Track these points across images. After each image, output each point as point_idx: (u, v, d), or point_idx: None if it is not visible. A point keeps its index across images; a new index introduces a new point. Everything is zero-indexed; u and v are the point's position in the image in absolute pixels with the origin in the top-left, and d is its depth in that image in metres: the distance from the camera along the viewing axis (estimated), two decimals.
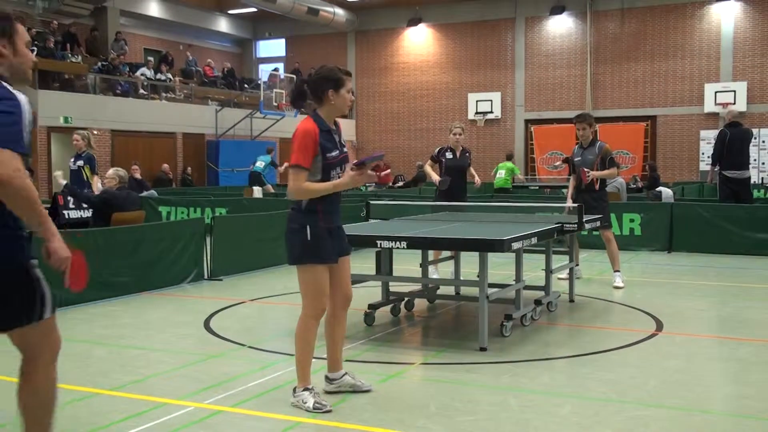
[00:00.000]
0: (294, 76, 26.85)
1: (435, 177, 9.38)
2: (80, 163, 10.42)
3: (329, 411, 4.52)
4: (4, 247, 3.04)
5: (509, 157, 21.41)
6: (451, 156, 9.31)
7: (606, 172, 8.96)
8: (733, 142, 12.28)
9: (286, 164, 20.31)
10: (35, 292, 3.11)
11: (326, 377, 4.93)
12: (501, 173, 19.72)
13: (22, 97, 3.13)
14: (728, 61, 25.68)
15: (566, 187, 9.62)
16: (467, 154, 9.39)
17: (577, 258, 9.08)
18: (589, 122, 9.09)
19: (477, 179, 9.92)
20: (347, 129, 31.05)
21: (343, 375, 4.92)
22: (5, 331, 3.15)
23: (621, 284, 8.90)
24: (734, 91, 25.32)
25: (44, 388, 3.27)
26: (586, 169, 8.83)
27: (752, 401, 4.80)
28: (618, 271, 9.03)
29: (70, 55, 21.77)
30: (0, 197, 2.96)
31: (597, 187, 8.97)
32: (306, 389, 4.61)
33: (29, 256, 3.11)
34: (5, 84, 3.14)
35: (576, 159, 9.15)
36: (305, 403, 4.56)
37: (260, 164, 20.07)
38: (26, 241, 3.11)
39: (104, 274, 8.33)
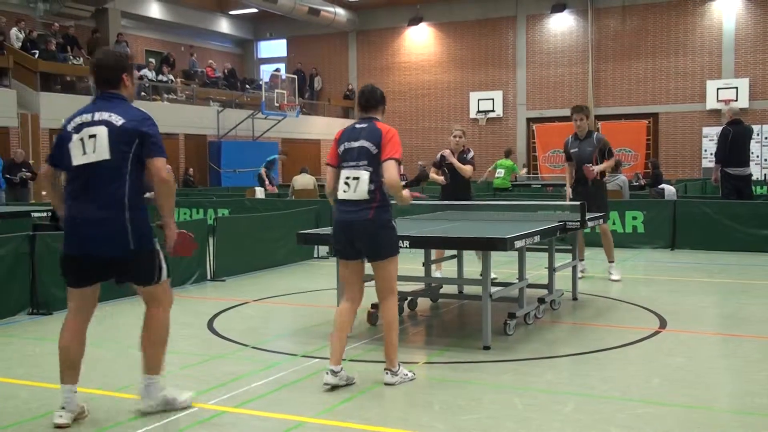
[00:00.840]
0: (295, 77, 26.87)
1: (439, 178, 9.15)
2: None
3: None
4: (147, 230, 4.31)
5: (508, 154, 20.06)
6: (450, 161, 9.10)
7: (606, 164, 9.09)
8: (736, 140, 12.29)
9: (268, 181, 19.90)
10: (156, 262, 4.42)
11: (333, 371, 4.94)
12: (500, 172, 19.02)
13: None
14: (730, 58, 25.64)
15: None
16: (466, 156, 9.11)
17: (581, 253, 9.16)
18: (586, 113, 9.24)
19: (464, 169, 9.20)
20: None
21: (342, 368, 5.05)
22: (140, 286, 4.48)
23: (618, 277, 9.08)
24: (736, 88, 25.28)
25: (161, 328, 4.53)
26: (588, 165, 8.90)
27: (756, 398, 4.79)
28: (613, 261, 9.28)
29: (71, 57, 21.77)
30: (160, 191, 4.30)
31: (599, 178, 9.08)
32: (401, 364, 5.12)
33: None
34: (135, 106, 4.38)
35: (572, 150, 9.23)
36: (407, 375, 5.11)
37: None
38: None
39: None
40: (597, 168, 8.95)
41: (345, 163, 4.97)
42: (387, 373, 5.05)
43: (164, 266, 4.45)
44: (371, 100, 5.15)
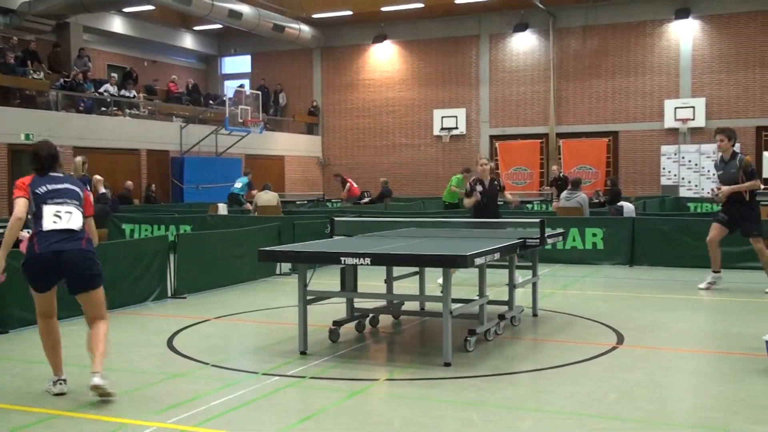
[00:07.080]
0: (260, 93, 26.83)
1: (472, 200, 10.21)
2: None
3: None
4: None
5: (466, 171, 18.43)
6: (481, 188, 10.19)
7: (748, 184, 9.43)
8: None
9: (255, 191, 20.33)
10: None
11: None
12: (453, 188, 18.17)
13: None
14: (687, 78, 26.17)
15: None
16: (495, 183, 10.31)
17: (717, 265, 9.98)
18: (728, 135, 9.56)
19: (509, 198, 10.83)
20: (313, 145, 31.06)
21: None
22: None
23: None
24: (693, 107, 25.79)
25: None
26: (714, 190, 9.68)
27: (712, 412, 4.88)
28: None
29: (31, 71, 21.51)
30: None
31: (747, 198, 9.47)
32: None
33: None
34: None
35: (719, 172, 9.71)
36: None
37: (238, 185, 20.47)
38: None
39: (66, 293, 8.21)
40: (723, 190, 9.41)
41: (51, 200, 5.31)
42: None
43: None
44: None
